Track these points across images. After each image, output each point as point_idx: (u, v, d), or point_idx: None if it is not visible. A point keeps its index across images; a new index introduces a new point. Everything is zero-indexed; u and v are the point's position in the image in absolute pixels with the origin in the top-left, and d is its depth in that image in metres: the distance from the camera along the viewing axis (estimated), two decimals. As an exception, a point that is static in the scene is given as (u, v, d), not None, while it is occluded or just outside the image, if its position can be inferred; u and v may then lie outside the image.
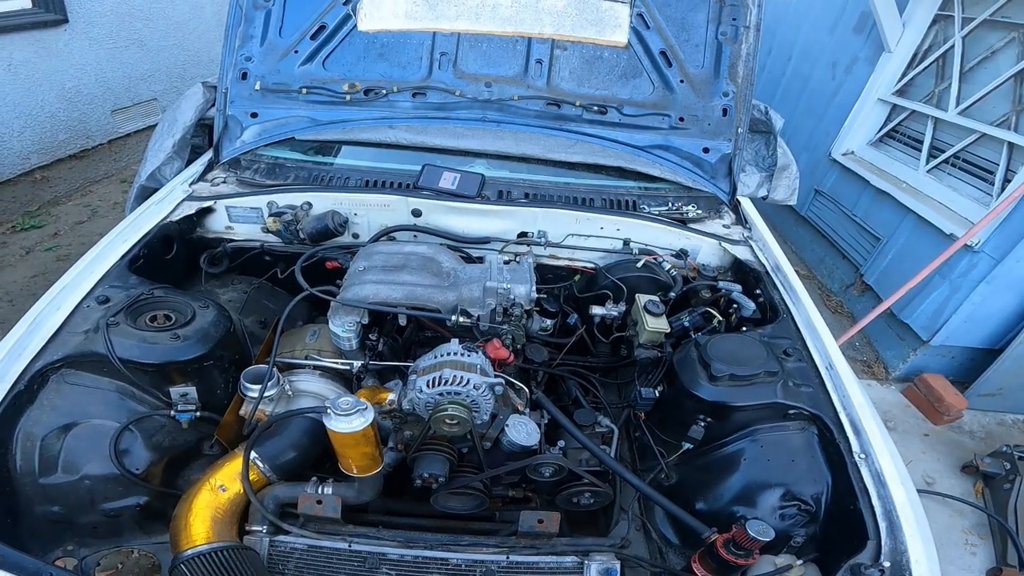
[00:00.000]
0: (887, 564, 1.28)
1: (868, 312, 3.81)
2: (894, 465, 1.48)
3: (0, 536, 1.22)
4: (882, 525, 1.35)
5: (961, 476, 3.25)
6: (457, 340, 1.65)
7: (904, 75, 4.33)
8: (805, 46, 5.49)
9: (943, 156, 3.93)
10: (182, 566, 1.26)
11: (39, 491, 1.45)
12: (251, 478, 1.47)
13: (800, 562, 1.39)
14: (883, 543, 1.32)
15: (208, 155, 2.43)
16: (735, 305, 2.00)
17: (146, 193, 2.31)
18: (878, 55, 4.40)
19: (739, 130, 2.33)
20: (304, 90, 2.32)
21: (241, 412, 1.65)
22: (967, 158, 3.80)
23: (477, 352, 1.62)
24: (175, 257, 2.09)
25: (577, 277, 2.29)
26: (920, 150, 4.14)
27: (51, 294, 1.69)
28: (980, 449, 3.37)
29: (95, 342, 1.54)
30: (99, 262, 1.82)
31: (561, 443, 1.73)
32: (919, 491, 2.83)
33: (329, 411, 1.32)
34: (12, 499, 1.42)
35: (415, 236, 2.22)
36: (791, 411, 1.65)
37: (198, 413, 1.62)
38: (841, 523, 1.47)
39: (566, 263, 2.30)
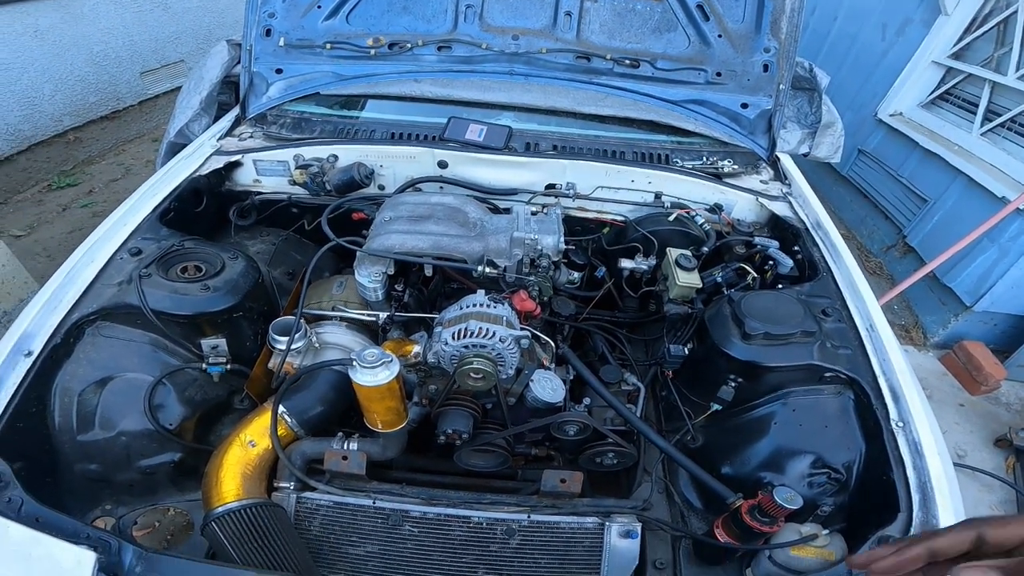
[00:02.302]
0: None
1: (909, 275, 3.70)
2: (932, 435, 1.42)
3: (42, 496, 1.22)
4: (915, 497, 1.30)
5: (993, 450, 3.16)
6: (483, 291, 1.62)
7: (961, 39, 4.15)
8: (852, 6, 5.31)
9: (999, 120, 3.77)
10: (213, 524, 1.28)
11: (78, 449, 1.47)
12: (279, 433, 1.48)
13: (826, 532, 1.35)
14: (914, 516, 1.27)
15: (235, 111, 2.43)
16: (771, 261, 1.93)
17: (175, 149, 2.33)
18: (934, 18, 4.21)
19: (781, 87, 2.23)
20: (328, 45, 2.29)
21: (270, 365, 1.66)
22: None
23: (503, 304, 1.59)
24: (205, 210, 2.10)
25: (606, 230, 2.24)
26: (975, 113, 3.98)
27: (85, 247, 1.71)
28: (1015, 422, 3.28)
29: (129, 293, 1.56)
30: (131, 215, 1.83)
31: (586, 400, 1.71)
32: None
33: (354, 363, 1.31)
34: (52, 457, 1.45)
35: (441, 187, 2.19)
36: (827, 374, 1.58)
37: (228, 366, 1.64)
38: (872, 493, 1.42)
39: (595, 215, 2.26)
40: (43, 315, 1.50)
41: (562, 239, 1.78)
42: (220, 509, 1.30)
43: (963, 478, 2.95)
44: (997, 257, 3.43)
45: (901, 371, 1.55)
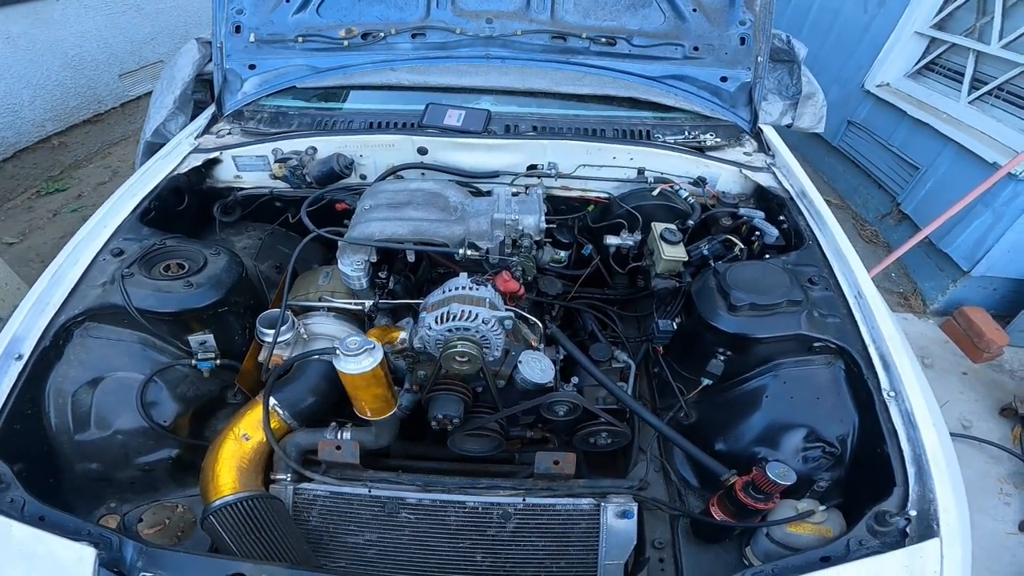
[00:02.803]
0: (914, 512, 1.21)
1: (905, 241, 3.70)
2: (926, 405, 1.39)
3: (46, 496, 1.24)
4: (910, 470, 1.28)
5: (999, 419, 3.11)
6: (465, 274, 1.62)
7: (942, 9, 4.14)
8: None
9: (985, 88, 3.77)
10: (211, 517, 1.29)
11: (76, 449, 1.48)
12: (273, 426, 1.48)
13: (823, 507, 1.34)
14: (911, 490, 1.25)
15: (211, 109, 2.42)
16: (757, 232, 1.92)
17: (152, 149, 2.31)
18: None
19: (759, 59, 2.22)
20: (300, 39, 2.27)
21: (259, 358, 1.65)
22: (1011, 89, 3.63)
23: (486, 285, 1.58)
24: (187, 208, 2.10)
25: (591, 207, 2.24)
26: (961, 82, 3.98)
27: (67, 250, 1.71)
28: (1020, 391, 3.23)
29: (112, 294, 1.56)
30: (111, 216, 1.83)
31: (575, 379, 1.70)
32: (953, 435, 2.72)
33: (338, 352, 1.30)
34: (52, 458, 1.46)
35: (423, 174, 2.19)
36: (816, 344, 1.57)
37: (218, 361, 1.64)
38: (867, 467, 1.41)
39: (579, 194, 2.26)
40: (31, 318, 1.51)
41: (543, 218, 1.77)
42: (217, 503, 1.31)
43: (969, 449, 2.91)
44: (992, 221, 3.41)
45: (891, 338, 1.52)
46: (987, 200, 3.40)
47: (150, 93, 5.81)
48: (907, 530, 1.20)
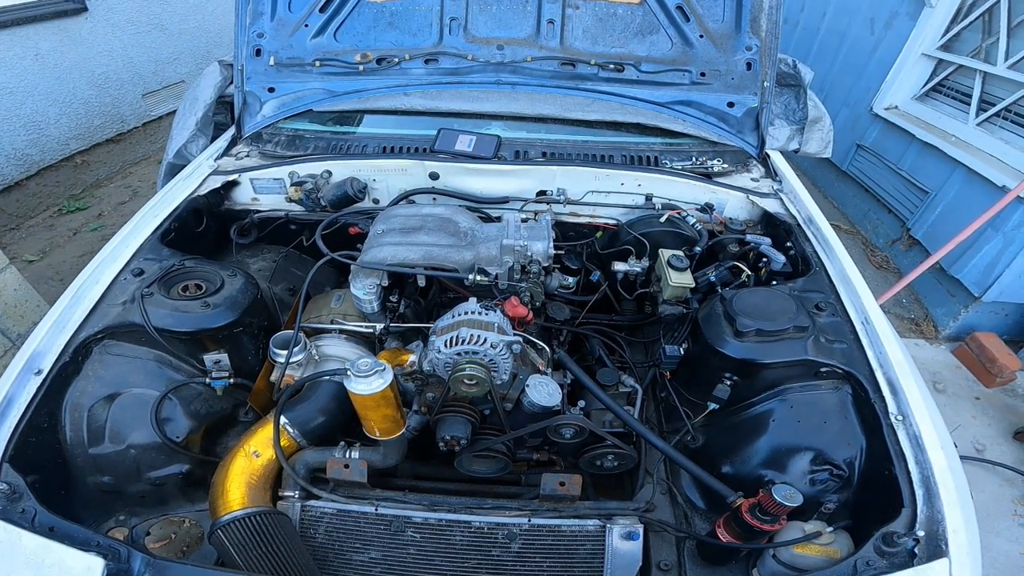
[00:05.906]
0: (922, 533, 1.21)
1: (916, 267, 3.67)
2: (934, 428, 1.39)
3: (57, 508, 1.27)
4: (918, 492, 1.29)
5: (1013, 443, 3.09)
6: (475, 299, 1.65)
7: (948, 30, 4.16)
8: (840, 2, 5.33)
9: (993, 110, 3.75)
10: (219, 531, 1.31)
11: (89, 461, 1.51)
12: (282, 444, 1.51)
13: (830, 529, 1.34)
14: (919, 511, 1.26)
15: (231, 131, 2.47)
16: (764, 259, 1.94)
17: (174, 170, 2.38)
18: (919, 10, 4.23)
19: (765, 84, 2.25)
20: (317, 63, 2.34)
21: (271, 378, 1.69)
22: (1019, 111, 3.61)
23: (495, 310, 1.61)
24: (206, 229, 2.15)
25: (599, 234, 2.26)
26: (969, 104, 3.97)
27: (90, 269, 1.76)
28: (1034, 414, 3.22)
29: (132, 313, 1.60)
30: (133, 236, 1.88)
31: (582, 403, 1.71)
32: (967, 458, 2.67)
33: (349, 373, 1.34)
34: (65, 470, 1.49)
35: (434, 199, 2.22)
36: (823, 369, 1.58)
37: (231, 380, 1.67)
38: (875, 489, 1.41)
39: (587, 220, 2.28)
40: (52, 335, 1.55)
41: (551, 245, 1.80)
42: (226, 517, 1.33)
43: (983, 472, 2.90)
44: (1002, 246, 3.39)
45: (899, 363, 1.53)
46: (997, 224, 3.37)
47: (171, 113, 5.96)
48: (915, 551, 1.20)
